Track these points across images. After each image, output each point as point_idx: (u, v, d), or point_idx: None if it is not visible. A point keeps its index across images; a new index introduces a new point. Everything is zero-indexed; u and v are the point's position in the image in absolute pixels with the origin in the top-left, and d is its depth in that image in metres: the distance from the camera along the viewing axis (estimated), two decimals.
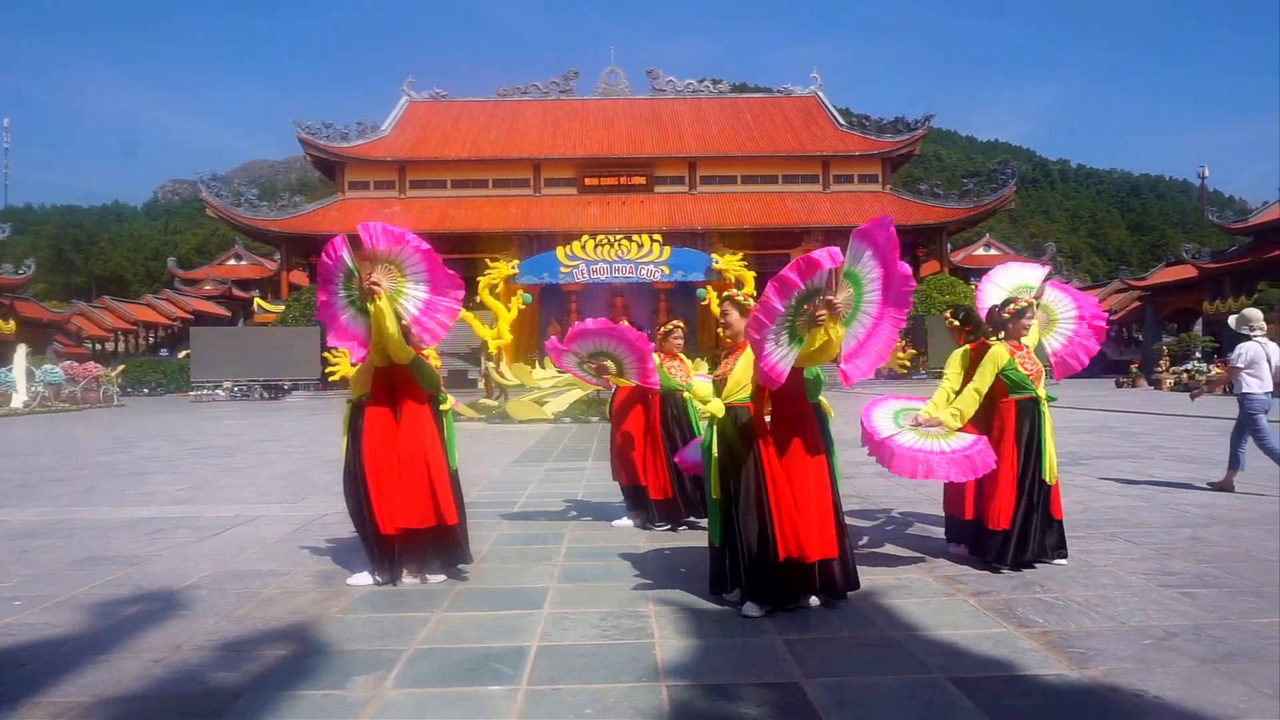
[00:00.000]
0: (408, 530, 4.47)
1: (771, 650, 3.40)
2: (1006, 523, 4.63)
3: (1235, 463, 7.14)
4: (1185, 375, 28.64)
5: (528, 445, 12.51)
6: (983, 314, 5.13)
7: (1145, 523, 5.92)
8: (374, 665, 3.30)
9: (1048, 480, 4.74)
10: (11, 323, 39.30)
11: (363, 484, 4.48)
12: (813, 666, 3.20)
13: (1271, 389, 7.23)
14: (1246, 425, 7.17)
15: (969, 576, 4.52)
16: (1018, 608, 3.92)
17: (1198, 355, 33.36)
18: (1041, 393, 4.84)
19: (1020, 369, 4.78)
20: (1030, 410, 4.78)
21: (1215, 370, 27.74)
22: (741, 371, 4.00)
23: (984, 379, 4.69)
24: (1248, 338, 7.25)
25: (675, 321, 6.41)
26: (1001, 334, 4.86)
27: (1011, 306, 4.84)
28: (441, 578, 4.62)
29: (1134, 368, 34.75)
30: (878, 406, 4.77)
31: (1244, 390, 7.17)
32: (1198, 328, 39.30)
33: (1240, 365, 7.21)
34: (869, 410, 4.73)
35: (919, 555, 5.06)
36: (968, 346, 5.06)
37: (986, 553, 4.71)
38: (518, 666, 3.26)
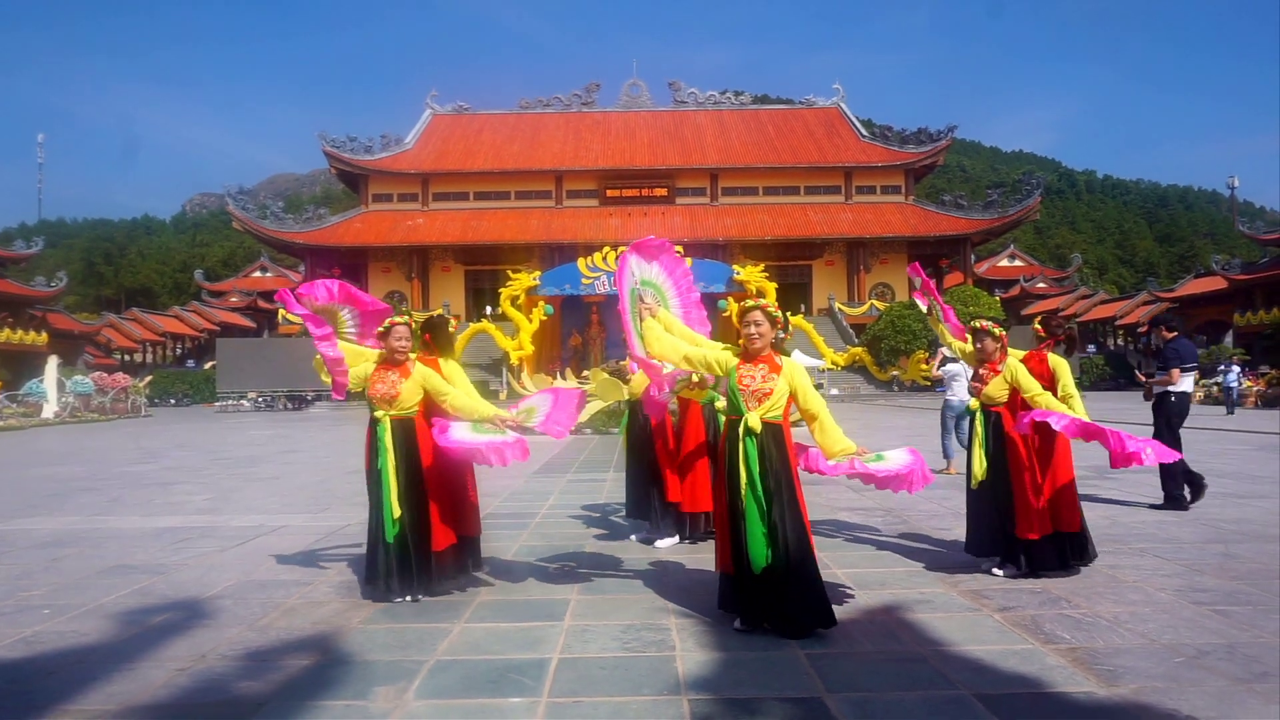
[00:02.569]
0: (453, 544, 4.50)
1: (794, 664, 3.38)
2: (1079, 524, 4.83)
3: (947, 454, 9.74)
4: (1216, 389, 28.13)
5: (549, 457, 12.53)
6: (953, 330, 5.64)
7: (1175, 538, 5.82)
8: (396, 676, 3.31)
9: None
10: (44, 334, 40.02)
11: (423, 499, 4.43)
12: (836, 681, 3.17)
13: (966, 398, 8.69)
14: (949, 424, 9.87)
15: (994, 591, 4.46)
16: (1044, 624, 3.86)
17: (1224, 368, 32.71)
18: None
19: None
20: None
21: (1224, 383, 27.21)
22: (782, 392, 3.83)
23: (1072, 385, 4.95)
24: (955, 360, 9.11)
25: None
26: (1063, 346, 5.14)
27: (1064, 317, 5.19)
28: (468, 585, 4.64)
29: None
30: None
31: (947, 397, 9.98)
32: (1228, 340, 38.62)
33: (952, 379, 9.84)
34: (1066, 416, 4.46)
35: (942, 569, 5.00)
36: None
37: (1061, 559, 4.76)
38: (539, 678, 3.26)
